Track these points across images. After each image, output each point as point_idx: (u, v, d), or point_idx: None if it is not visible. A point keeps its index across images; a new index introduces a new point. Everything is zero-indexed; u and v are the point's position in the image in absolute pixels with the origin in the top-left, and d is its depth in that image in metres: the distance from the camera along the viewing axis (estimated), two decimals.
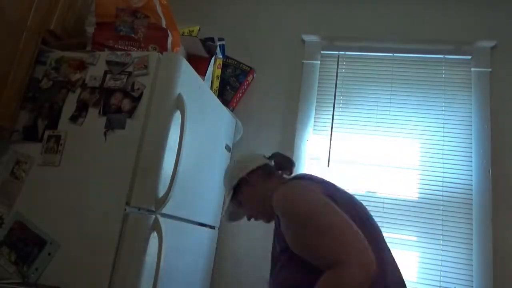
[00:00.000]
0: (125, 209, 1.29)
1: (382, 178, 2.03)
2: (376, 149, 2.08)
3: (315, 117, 2.18)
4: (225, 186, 1.34)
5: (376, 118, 2.13)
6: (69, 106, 1.46)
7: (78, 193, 1.35)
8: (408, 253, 1.90)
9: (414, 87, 2.15)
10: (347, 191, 1.17)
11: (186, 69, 1.51)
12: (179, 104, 1.43)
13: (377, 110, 2.15)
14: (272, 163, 1.35)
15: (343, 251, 0.86)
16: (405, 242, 1.92)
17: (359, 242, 0.88)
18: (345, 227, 0.91)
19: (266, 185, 1.24)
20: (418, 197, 1.98)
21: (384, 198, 1.98)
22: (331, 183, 1.16)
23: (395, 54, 2.23)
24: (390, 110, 2.13)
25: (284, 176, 1.32)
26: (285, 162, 1.35)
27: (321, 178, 1.17)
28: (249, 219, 1.32)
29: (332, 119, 2.16)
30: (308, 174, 1.23)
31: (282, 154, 1.37)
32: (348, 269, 0.83)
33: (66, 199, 1.35)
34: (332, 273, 0.85)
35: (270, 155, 1.36)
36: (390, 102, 2.14)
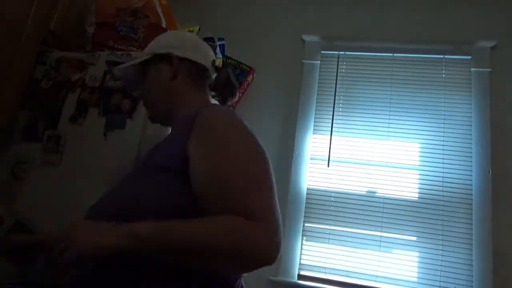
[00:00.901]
0: None
1: (382, 177, 2.03)
2: (376, 149, 2.09)
3: (315, 117, 2.18)
4: (149, 46, 1.07)
5: (376, 118, 2.13)
6: (69, 106, 1.46)
7: (78, 193, 1.35)
8: (408, 253, 1.91)
9: (414, 87, 2.15)
10: None
11: None
12: None
13: (377, 110, 2.15)
14: (213, 76, 1.05)
15: (269, 213, 0.71)
16: (405, 242, 1.91)
17: (280, 221, 0.73)
18: (275, 193, 0.77)
19: (184, 87, 1.00)
20: (418, 197, 1.98)
21: (384, 198, 1.98)
22: None
23: (395, 54, 2.23)
24: (390, 110, 2.13)
25: (209, 99, 1.05)
26: (229, 88, 1.06)
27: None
28: (137, 97, 1.14)
29: (332, 119, 2.16)
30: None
31: (231, 79, 1.07)
32: (262, 233, 0.68)
33: (66, 199, 1.35)
34: (242, 222, 0.68)
35: (219, 66, 1.07)
36: (390, 102, 2.15)
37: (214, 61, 1.05)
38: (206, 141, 0.80)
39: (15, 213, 1.38)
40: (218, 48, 2.01)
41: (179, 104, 0.99)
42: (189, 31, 2.00)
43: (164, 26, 1.64)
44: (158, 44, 1.04)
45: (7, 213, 1.39)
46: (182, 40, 1.04)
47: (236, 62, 2.23)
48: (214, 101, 1.07)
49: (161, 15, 1.66)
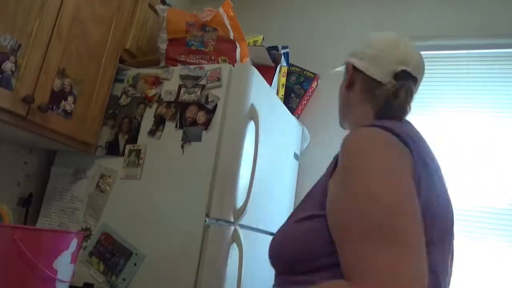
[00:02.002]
0: (205, 221, 1.30)
1: (462, 183, 1.88)
2: (458, 154, 1.94)
3: None
4: (358, 48, 0.95)
5: (454, 118, 2.00)
6: (147, 120, 1.51)
7: (159, 205, 1.39)
8: None
9: (494, 84, 1.99)
10: (443, 176, 0.81)
11: (257, 80, 1.51)
12: (253, 114, 1.43)
13: (454, 110, 2.01)
14: (389, 85, 0.87)
15: (384, 277, 0.56)
16: None
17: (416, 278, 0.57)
18: (409, 245, 0.60)
19: (355, 99, 0.93)
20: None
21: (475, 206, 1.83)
22: (428, 151, 0.78)
23: (470, 51, 2.08)
24: (469, 110, 1.99)
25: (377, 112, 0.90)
26: (401, 105, 0.87)
27: (417, 138, 0.77)
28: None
29: None
30: (407, 128, 0.78)
31: (408, 96, 0.88)
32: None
33: (149, 211, 1.39)
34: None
35: (400, 72, 0.87)
36: (469, 102, 2.00)
37: (403, 71, 0.87)
38: (338, 173, 0.73)
39: (101, 225, 1.45)
40: (282, 56, 2.00)
41: (349, 116, 0.96)
42: (254, 41, 2.01)
43: (232, 38, 1.66)
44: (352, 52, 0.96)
45: (94, 225, 1.46)
46: (367, 46, 0.92)
47: (300, 69, 2.20)
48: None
49: (229, 27, 1.68)
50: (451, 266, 0.79)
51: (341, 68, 1.03)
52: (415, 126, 0.85)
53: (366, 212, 0.62)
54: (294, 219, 0.79)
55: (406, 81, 0.88)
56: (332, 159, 0.85)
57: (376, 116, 0.88)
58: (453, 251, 0.80)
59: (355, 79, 0.93)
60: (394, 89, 0.87)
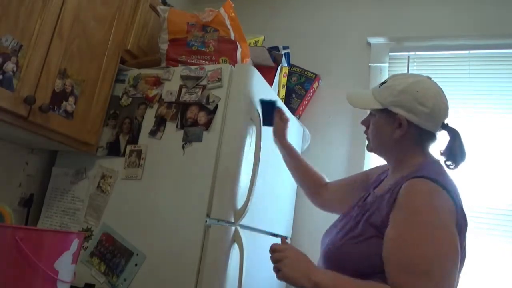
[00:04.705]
0: (206, 221, 1.30)
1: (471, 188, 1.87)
2: None
3: None
4: (386, 91, 1.06)
5: (455, 119, 1.99)
6: (148, 121, 1.51)
7: (160, 205, 1.39)
8: None
9: (495, 85, 1.98)
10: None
11: (257, 80, 1.52)
12: (253, 115, 1.43)
13: (455, 111, 2.00)
14: (444, 151, 1.06)
15: None
16: None
17: None
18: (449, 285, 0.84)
19: (406, 146, 1.05)
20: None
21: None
22: (460, 201, 0.96)
23: (471, 52, 2.08)
24: (470, 112, 1.98)
25: (429, 159, 1.06)
26: (452, 151, 1.05)
27: (455, 190, 0.96)
28: (365, 130, 1.18)
29: None
30: (448, 180, 0.97)
31: (459, 139, 1.06)
32: None
33: (149, 211, 1.39)
34: None
35: (449, 127, 1.08)
36: (469, 103, 1.99)
37: (442, 123, 1.07)
38: (401, 212, 0.91)
39: (102, 225, 1.45)
40: (283, 57, 2.00)
41: (401, 159, 1.06)
42: (255, 41, 2.01)
43: (233, 38, 1.66)
44: (393, 98, 1.04)
45: (95, 225, 1.46)
46: (417, 102, 1.02)
47: (301, 70, 2.20)
48: (434, 159, 1.07)
49: (229, 27, 1.68)
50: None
51: (369, 108, 1.14)
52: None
53: (422, 252, 0.85)
54: (351, 235, 0.99)
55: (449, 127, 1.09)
56: (387, 189, 1.02)
57: (425, 159, 1.05)
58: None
59: (406, 132, 1.04)
60: (457, 142, 1.06)
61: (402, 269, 0.84)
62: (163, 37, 1.66)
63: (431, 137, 1.06)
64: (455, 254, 0.85)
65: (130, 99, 1.59)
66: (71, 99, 1.39)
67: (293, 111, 2.10)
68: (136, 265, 1.33)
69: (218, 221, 1.33)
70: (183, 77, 1.52)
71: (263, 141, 1.46)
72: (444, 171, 1.01)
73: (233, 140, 1.39)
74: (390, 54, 2.18)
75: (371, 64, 2.20)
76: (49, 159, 1.69)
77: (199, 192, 1.34)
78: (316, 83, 2.21)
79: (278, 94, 1.99)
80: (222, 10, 1.68)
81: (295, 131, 1.99)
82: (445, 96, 1.07)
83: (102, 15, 1.50)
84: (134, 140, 1.51)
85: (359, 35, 2.28)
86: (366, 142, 1.17)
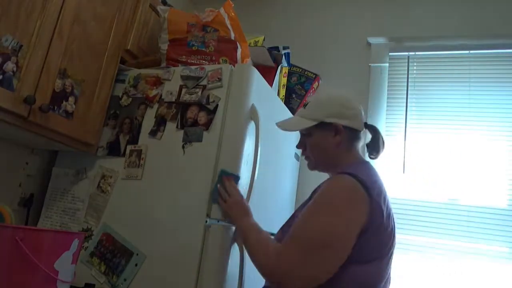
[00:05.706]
0: (206, 221, 1.30)
1: (466, 184, 1.88)
2: (458, 153, 1.94)
3: (386, 122, 2.08)
4: (313, 108, 1.21)
5: (455, 119, 1.99)
6: (148, 121, 1.51)
7: (160, 205, 1.39)
8: (500, 265, 1.74)
9: (495, 85, 1.99)
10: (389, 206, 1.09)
11: (257, 80, 1.51)
12: (253, 115, 1.43)
13: (455, 111, 2.01)
14: (367, 136, 1.24)
15: (290, 259, 0.97)
16: (495, 254, 1.75)
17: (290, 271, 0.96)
18: (322, 257, 0.97)
19: (343, 151, 1.17)
20: (508, 205, 1.81)
21: (469, 206, 1.83)
22: (383, 192, 1.07)
23: (471, 51, 2.08)
24: (469, 111, 1.98)
25: (358, 156, 1.19)
26: (377, 144, 1.21)
27: (375, 187, 1.05)
28: (302, 151, 1.27)
29: (406, 122, 2.05)
30: (372, 174, 1.09)
31: (380, 134, 1.22)
32: (277, 263, 0.99)
33: (149, 211, 1.39)
34: (272, 246, 1.05)
35: (369, 125, 1.23)
36: (469, 102, 2.00)
37: (364, 122, 1.20)
38: (313, 201, 1.05)
39: (102, 225, 1.45)
40: (283, 57, 2.00)
41: (337, 164, 1.16)
42: (255, 41, 2.01)
43: (233, 38, 1.66)
44: (322, 111, 1.17)
45: (95, 225, 1.46)
46: (344, 108, 1.17)
47: (301, 70, 2.20)
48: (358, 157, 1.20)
49: (229, 27, 1.68)
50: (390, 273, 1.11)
51: (299, 129, 1.23)
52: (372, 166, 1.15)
53: (314, 232, 1.00)
54: (285, 228, 1.17)
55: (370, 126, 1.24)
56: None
57: (355, 159, 1.17)
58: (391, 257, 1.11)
59: (338, 139, 1.16)
60: (377, 137, 1.21)
61: (289, 234, 1.03)
62: (163, 37, 1.66)
63: (358, 136, 1.19)
64: (331, 238, 0.97)
65: (130, 99, 1.59)
66: (71, 99, 1.39)
67: (293, 111, 2.10)
68: (136, 265, 1.33)
69: (218, 221, 1.33)
70: (183, 77, 1.52)
71: (263, 141, 1.46)
72: (369, 170, 1.10)
73: (233, 140, 1.39)
74: (390, 54, 2.19)
75: (371, 64, 2.20)
76: (49, 159, 1.69)
77: (199, 192, 1.34)
78: (316, 83, 2.20)
79: (278, 94, 1.99)
80: (222, 10, 1.68)
81: (295, 132, 1.99)
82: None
83: (102, 15, 1.50)
84: (134, 140, 1.51)
85: (359, 35, 2.28)
86: (307, 162, 1.27)
